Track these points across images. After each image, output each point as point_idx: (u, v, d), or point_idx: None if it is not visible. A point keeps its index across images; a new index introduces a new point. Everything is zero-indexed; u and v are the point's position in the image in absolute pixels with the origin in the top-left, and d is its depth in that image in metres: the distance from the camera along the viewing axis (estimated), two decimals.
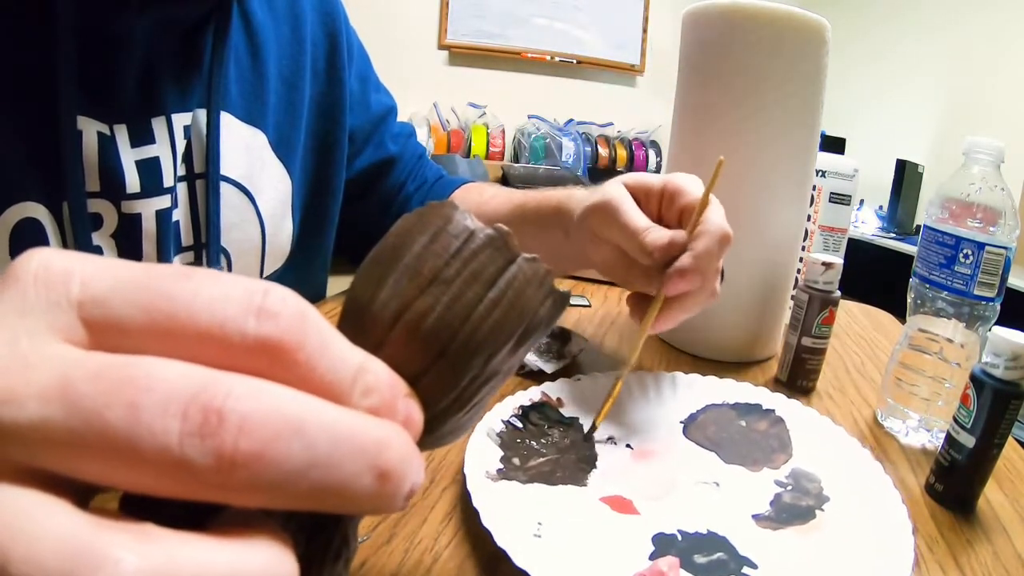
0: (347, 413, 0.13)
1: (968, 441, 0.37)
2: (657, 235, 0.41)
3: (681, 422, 0.44)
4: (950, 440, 0.39)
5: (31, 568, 0.11)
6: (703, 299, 0.42)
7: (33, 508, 0.12)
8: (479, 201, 0.62)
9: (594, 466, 0.39)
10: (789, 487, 0.38)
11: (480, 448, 0.37)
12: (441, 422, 0.17)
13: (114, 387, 0.12)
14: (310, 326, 0.14)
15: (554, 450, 0.39)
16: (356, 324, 0.16)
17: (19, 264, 0.14)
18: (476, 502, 0.31)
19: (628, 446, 0.41)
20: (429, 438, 0.17)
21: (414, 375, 0.16)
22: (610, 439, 0.42)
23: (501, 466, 0.36)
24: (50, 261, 0.14)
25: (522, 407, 0.42)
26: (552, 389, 0.45)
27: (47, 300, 0.13)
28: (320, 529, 0.14)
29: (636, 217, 0.42)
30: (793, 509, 0.36)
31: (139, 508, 0.13)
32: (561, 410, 0.44)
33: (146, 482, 0.12)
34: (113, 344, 0.13)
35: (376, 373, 0.15)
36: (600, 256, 0.46)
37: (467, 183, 0.68)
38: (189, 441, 0.12)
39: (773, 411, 0.45)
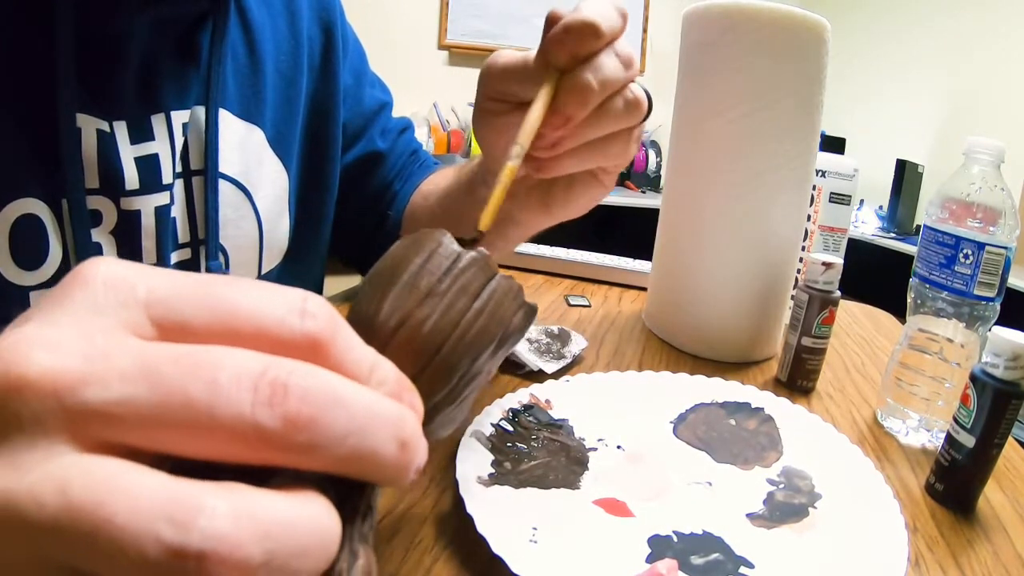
0: (374, 393, 0.16)
1: (968, 441, 0.37)
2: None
3: (671, 422, 0.44)
4: (950, 440, 0.39)
5: (137, 518, 0.13)
6: (611, 69, 0.32)
7: (127, 470, 0.13)
8: (435, 185, 0.60)
9: (586, 468, 0.38)
10: (781, 485, 0.38)
11: (471, 453, 0.37)
12: (435, 414, 0.20)
13: (193, 368, 0.14)
14: (340, 326, 0.17)
15: (545, 453, 0.39)
16: (363, 334, 0.19)
17: (85, 270, 0.16)
18: (470, 509, 0.31)
19: (619, 447, 0.41)
20: (426, 429, 0.19)
21: (413, 374, 0.19)
22: (600, 440, 0.42)
23: (492, 470, 0.36)
24: (115, 268, 0.16)
25: (512, 410, 0.42)
26: (541, 391, 0.45)
27: (117, 301, 0.15)
28: (350, 495, 0.17)
29: (517, 53, 0.36)
30: (786, 507, 0.36)
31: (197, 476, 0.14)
32: (551, 412, 0.43)
33: (218, 447, 0.14)
34: (178, 340, 0.15)
35: (388, 369, 0.18)
36: (498, 133, 0.39)
37: (434, 172, 0.65)
38: (260, 409, 0.14)
39: (762, 409, 0.45)
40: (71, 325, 0.15)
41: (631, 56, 0.34)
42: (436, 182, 0.60)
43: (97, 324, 0.15)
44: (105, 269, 0.16)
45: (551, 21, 0.32)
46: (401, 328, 0.20)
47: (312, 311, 0.16)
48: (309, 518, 0.14)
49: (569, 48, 0.31)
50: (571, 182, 0.42)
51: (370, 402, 0.16)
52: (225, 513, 0.13)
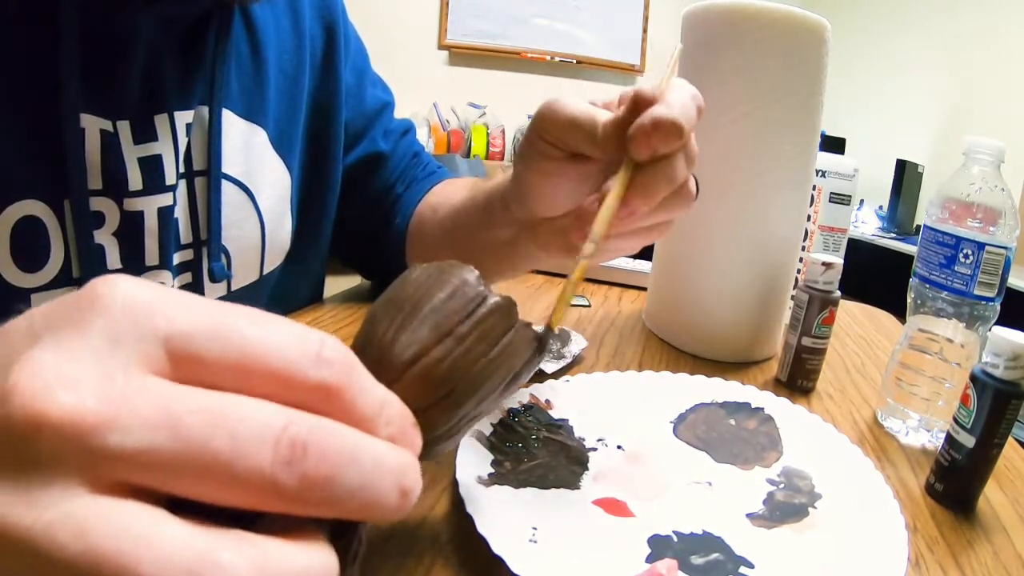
0: (381, 444, 0.17)
1: (968, 441, 0.37)
2: (611, 110, 0.34)
3: (671, 422, 0.44)
4: (950, 440, 0.39)
5: (161, 571, 0.13)
6: (681, 170, 0.33)
7: (147, 517, 0.14)
8: (444, 198, 0.59)
9: (586, 468, 0.38)
10: (781, 485, 0.38)
11: (471, 453, 0.37)
12: (433, 446, 0.21)
13: (216, 419, 0.14)
14: (354, 372, 0.17)
15: (545, 453, 0.39)
16: (376, 360, 0.19)
17: (103, 292, 0.15)
18: (470, 509, 0.31)
19: (619, 447, 0.41)
20: (419, 457, 0.20)
21: (419, 409, 0.19)
22: (600, 440, 0.42)
23: (492, 470, 0.36)
24: (134, 292, 0.16)
25: (512, 410, 0.42)
26: (541, 391, 0.45)
27: (135, 333, 0.15)
28: (343, 531, 0.17)
29: (584, 103, 0.36)
30: (786, 507, 0.36)
31: (191, 511, 0.15)
32: (551, 412, 0.43)
33: (233, 496, 0.14)
34: (193, 376, 0.15)
35: (395, 407, 0.18)
36: (542, 176, 0.39)
37: (442, 182, 0.65)
38: (280, 467, 0.14)
39: (762, 409, 0.45)
40: (90, 361, 0.15)
41: (695, 154, 0.35)
42: (446, 195, 0.59)
43: (116, 360, 0.15)
44: (124, 293, 0.15)
45: (639, 103, 0.32)
46: (416, 364, 0.20)
47: (328, 358, 0.16)
48: (317, 566, 0.15)
49: (653, 146, 0.31)
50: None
51: (378, 455, 0.16)
52: (245, 570, 0.14)
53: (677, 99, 0.32)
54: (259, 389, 0.16)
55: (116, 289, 0.15)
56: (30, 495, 0.14)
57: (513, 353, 0.22)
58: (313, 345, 0.16)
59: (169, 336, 0.15)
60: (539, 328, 0.24)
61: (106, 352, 0.15)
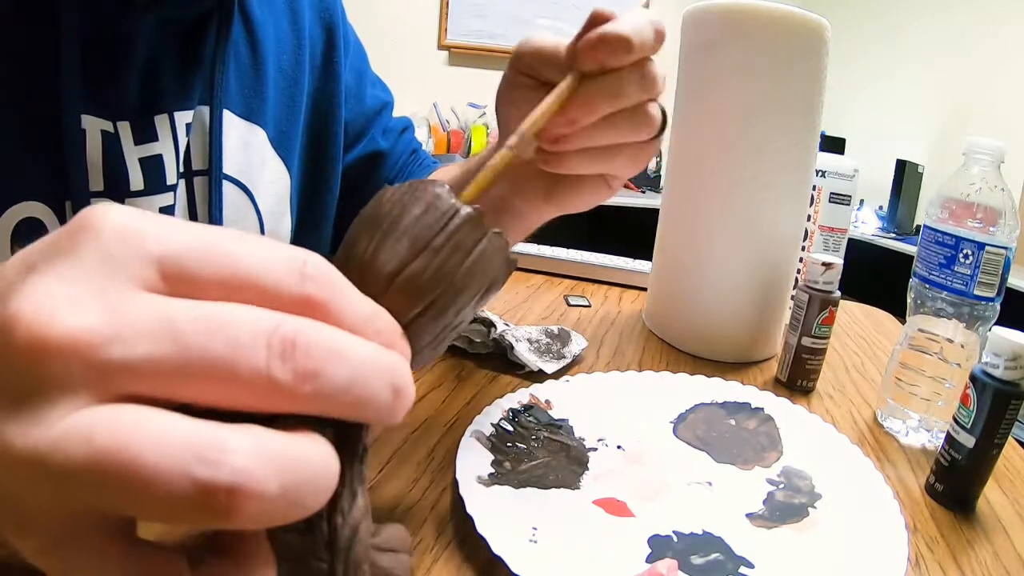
0: (369, 344, 0.17)
1: (968, 441, 0.37)
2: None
3: (671, 422, 0.44)
4: (950, 440, 0.39)
5: (167, 458, 0.13)
6: (630, 88, 0.33)
7: (152, 415, 0.14)
8: (442, 175, 0.61)
9: (586, 468, 0.39)
10: (781, 485, 0.38)
11: (470, 453, 0.37)
12: (418, 356, 0.22)
13: (212, 326, 0.15)
14: (337, 287, 0.18)
15: (545, 453, 0.39)
16: (359, 276, 0.20)
17: (93, 218, 0.16)
18: (470, 509, 0.31)
19: (619, 447, 0.41)
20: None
21: (404, 321, 0.20)
22: (600, 440, 0.42)
23: (492, 470, 0.36)
24: (124, 217, 0.16)
25: (512, 410, 0.42)
26: (541, 391, 0.45)
27: (128, 255, 0.16)
28: (347, 437, 0.18)
29: (554, 37, 0.37)
30: (786, 507, 0.36)
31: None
32: (551, 412, 0.43)
33: (234, 396, 0.15)
34: (185, 293, 0.16)
35: (383, 318, 0.19)
36: (515, 107, 0.38)
37: (436, 169, 0.66)
38: (274, 363, 0.15)
39: (762, 409, 0.45)
40: (86, 283, 0.15)
41: (656, 77, 0.35)
42: (440, 175, 0.60)
43: (111, 280, 0.15)
44: (115, 219, 0.16)
45: (594, 20, 0.33)
46: (397, 278, 0.21)
47: (311, 274, 0.17)
48: (316, 455, 0.16)
49: (598, 58, 0.32)
50: (579, 181, 0.43)
51: (368, 353, 0.17)
52: (249, 451, 0.14)
53: (631, 18, 0.32)
54: (248, 303, 0.16)
55: (106, 216, 0.16)
56: (38, 415, 0.14)
57: (487, 261, 0.22)
58: (297, 262, 0.17)
59: (161, 256, 0.16)
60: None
61: (101, 274, 0.15)
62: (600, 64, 0.32)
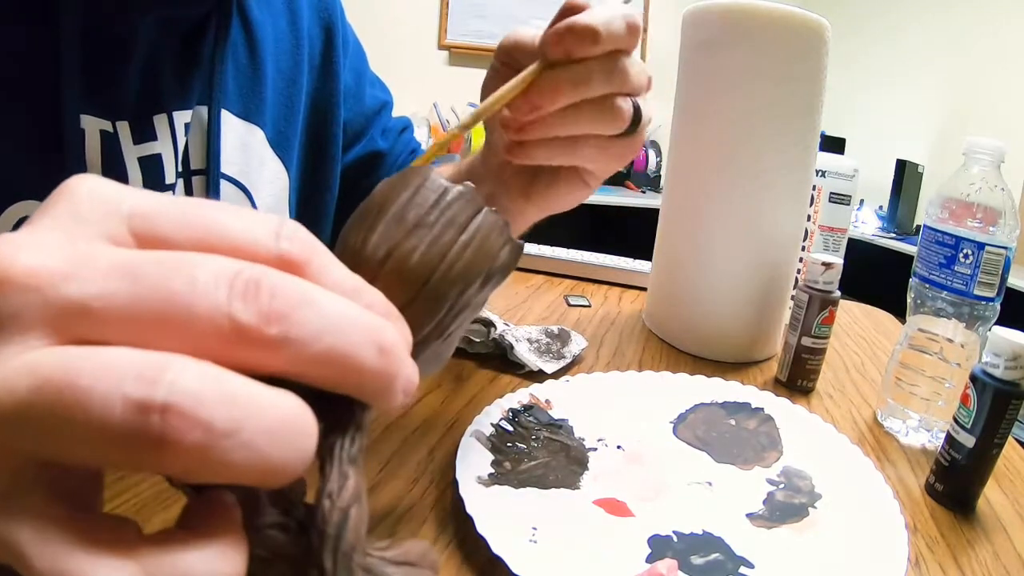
0: (352, 303, 0.16)
1: (968, 441, 0.37)
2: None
3: (671, 422, 0.44)
4: (950, 440, 0.39)
5: (103, 381, 0.13)
6: (595, 79, 0.33)
7: (103, 349, 0.14)
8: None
9: (586, 468, 0.38)
10: (781, 485, 0.38)
11: (470, 453, 0.37)
12: (423, 347, 0.21)
13: (174, 267, 0.14)
14: (317, 250, 0.17)
15: (545, 453, 0.39)
16: (351, 266, 0.19)
17: (71, 183, 0.16)
18: (470, 509, 0.31)
19: (619, 447, 0.41)
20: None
21: (401, 305, 0.19)
22: (600, 440, 0.42)
23: (492, 470, 0.36)
24: (101, 183, 0.16)
25: (512, 410, 0.42)
26: (541, 391, 0.45)
27: (100, 212, 0.16)
28: (335, 410, 0.17)
29: (535, 30, 0.37)
30: (786, 507, 0.36)
31: None
32: (551, 412, 0.43)
33: (195, 341, 0.14)
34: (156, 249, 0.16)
35: (374, 294, 0.18)
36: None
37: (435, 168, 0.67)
38: (236, 303, 0.14)
39: (762, 409, 0.45)
40: (54, 230, 0.15)
41: (627, 71, 0.34)
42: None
43: (78, 232, 0.15)
44: (92, 183, 0.16)
45: (566, 10, 0.33)
46: (389, 259, 0.20)
47: (287, 235, 0.17)
48: (279, 402, 0.14)
49: (564, 47, 0.32)
50: (554, 177, 0.43)
51: (345, 307, 0.16)
52: (193, 374, 0.13)
53: (602, 10, 0.33)
54: None
55: (84, 181, 0.16)
56: None
57: (486, 237, 0.21)
58: (274, 223, 0.17)
59: (132, 214, 0.16)
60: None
61: (71, 227, 0.15)
62: (566, 53, 0.32)
